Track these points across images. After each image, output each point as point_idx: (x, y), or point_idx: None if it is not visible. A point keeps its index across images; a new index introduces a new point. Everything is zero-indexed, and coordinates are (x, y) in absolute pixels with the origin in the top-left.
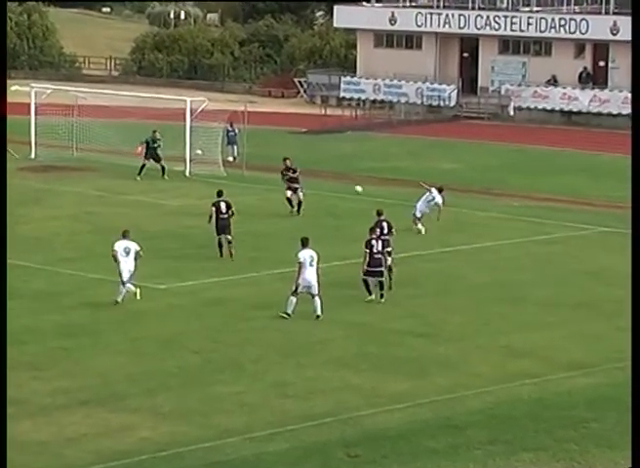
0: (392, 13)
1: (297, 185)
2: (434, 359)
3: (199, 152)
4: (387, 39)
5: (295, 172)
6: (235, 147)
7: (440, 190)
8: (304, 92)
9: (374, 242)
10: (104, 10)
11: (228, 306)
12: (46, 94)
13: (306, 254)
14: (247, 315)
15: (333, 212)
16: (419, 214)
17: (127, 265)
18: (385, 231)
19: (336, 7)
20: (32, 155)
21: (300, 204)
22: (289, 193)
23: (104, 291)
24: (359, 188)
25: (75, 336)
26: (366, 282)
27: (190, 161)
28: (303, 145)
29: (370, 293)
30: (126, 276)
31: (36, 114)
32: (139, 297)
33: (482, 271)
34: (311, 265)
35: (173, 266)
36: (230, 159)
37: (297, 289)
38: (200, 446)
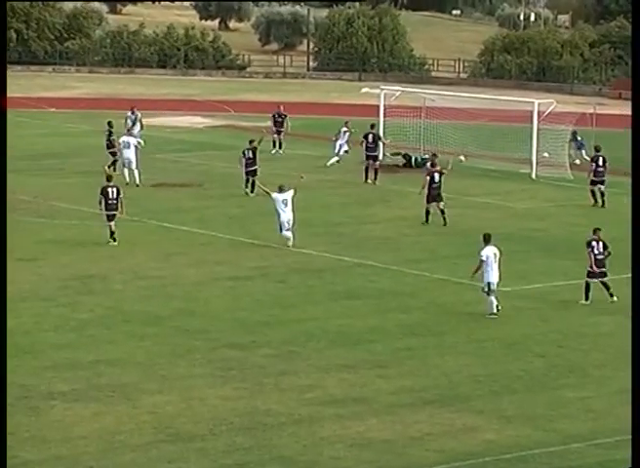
0: None
1: None
2: None
3: (546, 155)
4: None
5: None
6: (583, 151)
7: None
8: None
9: (594, 243)
10: (454, 12)
11: (575, 310)
12: (395, 96)
13: (490, 252)
14: (593, 320)
15: None
16: None
17: (286, 216)
18: None
19: None
20: (380, 156)
21: None
22: None
23: (449, 291)
24: (462, 158)
25: (420, 336)
26: (588, 286)
27: (537, 163)
28: None
29: (587, 299)
30: (285, 226)
31: (385, 116)
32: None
33: None
34: (495, 263)
35: (518, 269)
36: (577, 162)
37: (489, 288)
38: (544, 450)
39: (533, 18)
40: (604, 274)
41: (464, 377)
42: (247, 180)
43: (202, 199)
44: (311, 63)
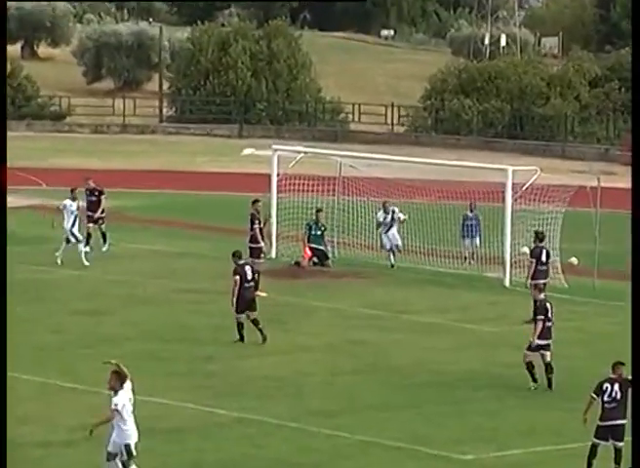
0: None
1: None
2: None
3: (525, 250)
4: None
5: None
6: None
7: None
8: None
9: (607, 385)
10: (384, 33)
11: None
12: (295, 160)
13: (125, 399)
14: None
15: None
16: None
17: None
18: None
19: None
20: (273, 253)
21: None
22: None
23: (377, 460)
24: (574, 260)
25: None
26: (594, 448)
27: (512, 264)
28: None
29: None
30: None
31: (279, 191)
32: None
33: None
34: (131, 416)
35: (484, 426)
36: (574, 261)
37: (128, 452)
38: None
39: (504, 41)
40: (617, 431)
41: None
42: None
43: None
44: (166, 111)
